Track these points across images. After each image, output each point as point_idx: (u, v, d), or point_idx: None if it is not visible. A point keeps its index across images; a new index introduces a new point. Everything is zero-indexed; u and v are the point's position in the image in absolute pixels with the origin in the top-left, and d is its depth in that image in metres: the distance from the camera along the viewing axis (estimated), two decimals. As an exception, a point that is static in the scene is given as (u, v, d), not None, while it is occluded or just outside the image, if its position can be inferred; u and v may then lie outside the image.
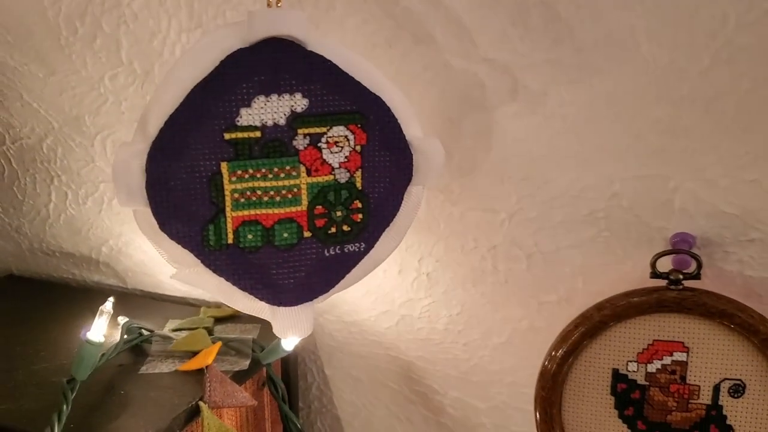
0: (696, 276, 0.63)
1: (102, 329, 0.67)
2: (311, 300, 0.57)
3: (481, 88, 0.60)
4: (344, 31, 0.60)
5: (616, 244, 0.67)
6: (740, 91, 0.53)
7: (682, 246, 0.63)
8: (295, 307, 0.56)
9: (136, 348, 0.79)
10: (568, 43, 0.55)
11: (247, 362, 0.77)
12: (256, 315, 0.57)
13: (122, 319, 0.81)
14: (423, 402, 0.93)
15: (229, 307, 0.89)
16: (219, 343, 0.76)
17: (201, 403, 0.69)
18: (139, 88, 0.72)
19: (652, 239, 0.65)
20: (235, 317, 0.89)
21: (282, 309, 0.56)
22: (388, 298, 0.82)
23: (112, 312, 0.69)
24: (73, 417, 0.65)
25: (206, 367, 0.73)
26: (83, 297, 0.95)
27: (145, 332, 0.80)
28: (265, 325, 0.86)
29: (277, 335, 0.57)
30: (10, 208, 0.94)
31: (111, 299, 0.70)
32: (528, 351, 0.80)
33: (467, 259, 0.74)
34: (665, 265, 0.63)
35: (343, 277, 0.57)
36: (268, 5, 0.52)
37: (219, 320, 0.87)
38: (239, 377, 0.76)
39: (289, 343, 0.75)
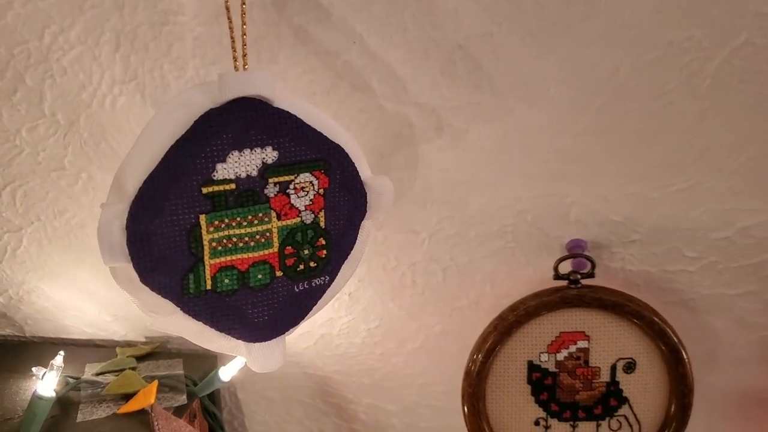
0: (591, 275, 0.74)
1: (53, 383, 0.67)
2: (283, 333, 0.61)
3: (410, 127, 0.67)
4: (286, 80, 0.65)
5: (521, 253, 0.77)
6: (627, 125, 0.65)
7: (576, 250, 0.75)
8: (269, 341, 0.61)
9: (61, 398, 0.78)
10: (488, 88, 0.65)
11: (184, 396, 0.79)
12: (231, 353, 0.61)
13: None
14: (336, 412, 0.98)
15: (143, 345, 0.91)
16: (156, 382, 0.78)
17: (154, 443, 0.71)
18: (60, 138, 0.72)
19: (551, 246, 0.76)
20: (153, 354, 0.89)
21: (257, 345, 0.60)
22: (309, 320, 0.87)
23: (62, 366, 0.69)
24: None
25: (150, 406, 0.74)
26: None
27: (71, 380, 0.79)
28: (187, 359, 0.89)
29: (253, 369, 0.61)
30: None
31: (61, 353, 0.70)
32: (439, 353, 0.88)
33: (388, 276, 0.81)
34: (565, 267, 0.75)
35: (311, 309, 0.62)
36: (236, 69, 0.56)
37: (138, 359, 0.88)
38: (178, 413, 0.78)
39: (226, 374, 0.78)
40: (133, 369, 0.83)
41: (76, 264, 0.84)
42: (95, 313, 0.90)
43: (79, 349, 0.92)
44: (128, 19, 0.63)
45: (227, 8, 0.54)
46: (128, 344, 0.92)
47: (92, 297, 0.88)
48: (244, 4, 0.54)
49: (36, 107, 0.70)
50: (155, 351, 0.89)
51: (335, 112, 0.66)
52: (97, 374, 0.82)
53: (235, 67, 0.56)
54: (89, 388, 0.80)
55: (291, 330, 0.62)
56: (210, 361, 0.89)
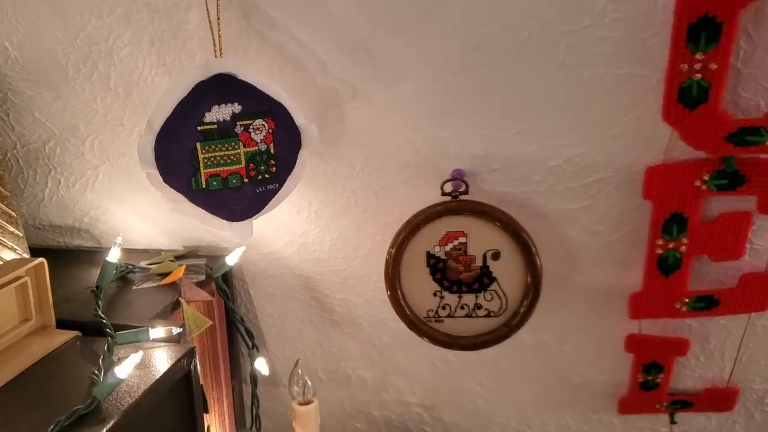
0: (466, 192, 1.10)
1: (117, 254, 1.08)
2: (251, 217, 1.01)
3: (336, 94, 1.05)
4: (254, 64, 1.04)
5: (422, 180, 1.12)
6: (473, 87, 1.00)
7: (457, 176, 1.10)
8: (243, 221, 1.00)
9: (122, 278, 1.19)
10: (380, 68, 1.02)
11: (203, 276, 1.19)
12: (220, 228, 1.01)
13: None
14: (319, 305, 1.33)
15: (179, 251, 1.31)
16: (184, 265, 1.18)
17: (180, 299, 1.11)
18: (121, 104, 1.13)
19: (441, 174, 1.09)
20: (186, 255, 1.29)
21: (236, 223, 1.00)
22: (291, 230, 1.25)
23: (122, 242, 1.10)
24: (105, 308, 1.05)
25: (179, 279, 1.14)
26: (67, 258, 1.32)
27: (129, 267, 1.20)
28: (209, 259, 1.28)
29: (235, 239, 1.00)
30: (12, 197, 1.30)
31: (121, 235, 1.11)
32: (382, 257, 1.24)
33: (338, 199, 1.18)
34: (449, 188, 1.11)
35: (267, 203, 1.01)
36: (216, 56, 0.95)
37: (176, 258, 1.28)
38: (199, 285, 1.18)
39: (232, 258, 1.18)
40: (171, 262, 1.23)
41: (135, 192, 1.24)
42: (148, 229, 1.30)
43: (138, 253, 1.32)
44: (157, 28, 1.03)
45: (210, 20, 0.94)
46: (170, 251, 1.32)
47: (145, 217, 1.27)
48: (218, 18, 0.94)
49: (105, 84, 1.11)
50: (188, 254, 1.29)
51: (285, 85, 1.04)
52: (147, 264, 1.23)
53: (215, 55, 0.95)
54: (141, 272, 1.20)
55: (256, 216, 1.01)
56: (223, 260, 1.28)
